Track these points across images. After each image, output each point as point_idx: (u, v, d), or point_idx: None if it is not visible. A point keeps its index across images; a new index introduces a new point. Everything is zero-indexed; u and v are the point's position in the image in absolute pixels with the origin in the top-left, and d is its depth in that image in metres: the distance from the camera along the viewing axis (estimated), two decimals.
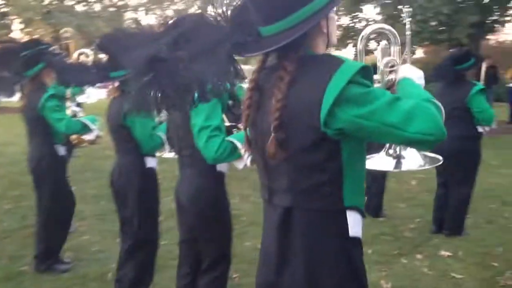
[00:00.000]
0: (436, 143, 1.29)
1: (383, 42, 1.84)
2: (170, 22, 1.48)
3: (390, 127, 1.28)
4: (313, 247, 1.44)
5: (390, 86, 1.75)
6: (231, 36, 1.41)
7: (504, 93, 14.28)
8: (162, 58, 1.36)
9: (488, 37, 17.40)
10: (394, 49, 1.82)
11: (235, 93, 2.66)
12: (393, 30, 1.79)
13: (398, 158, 1.81)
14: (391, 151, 1.84)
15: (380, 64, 1.79)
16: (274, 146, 1.41)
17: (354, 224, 1.45)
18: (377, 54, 1.83)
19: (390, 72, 1.76)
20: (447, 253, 4.40)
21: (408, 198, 6.25)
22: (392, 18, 13.17)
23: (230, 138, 2.43)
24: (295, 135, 1.40)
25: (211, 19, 1.45)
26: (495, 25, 15.29)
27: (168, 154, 3.39)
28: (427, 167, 1.79)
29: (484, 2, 12.87)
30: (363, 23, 17.06)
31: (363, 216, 1.50)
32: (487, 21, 14.29)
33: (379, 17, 13.46)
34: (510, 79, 13.83)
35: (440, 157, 1.83)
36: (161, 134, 3.30)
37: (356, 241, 1.47)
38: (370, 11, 27.50)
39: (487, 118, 4.60)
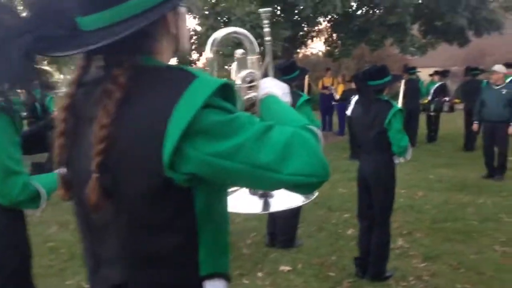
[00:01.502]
0: (319, 186, 0.99)
1: (239, 51, 1.48)
2: None
3: (260, 168, 0.95)
4: None
5: (249, 107, 1.40)
6: (34, 27, 0.95)
7: (315, 102, 15.46)
8: None
9: (298, 50, 18.75)
10: (252, 59, 1.46)
11: (46, 108, 2.05)
12: (249, 35, 1.43)
13: (265, 197, 1.47)
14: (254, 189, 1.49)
15: (237, 79, 1.43)
16: (96, 194, 0.97)
17: None
18: (232, 67, 1.47)
19: (249, 88, 1.40)
20: (287, 268, 4.32)
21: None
22: (213, 29, 13.24)
23: (34, 182, 1.85)
24: (127, 179, 0.98)
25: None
26: (304, 39, 16.55)
27: None
28: (302, 203, 1.48)
29: (294, 18, 13.74)
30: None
31: (228, 280, 1.14)
32: (297, 36, 15.34)
33: (199, 28, 13.42)
34: (320, 89, 15.00)
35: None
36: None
37: None
38: (189, 22, 27.62)
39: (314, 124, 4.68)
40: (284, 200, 1.43)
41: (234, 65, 1.46)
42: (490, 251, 4.67)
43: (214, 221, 1.08)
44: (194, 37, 13.71)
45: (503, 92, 7.62)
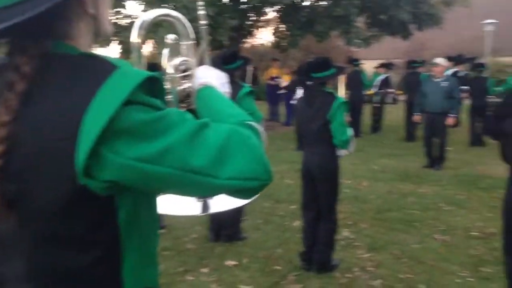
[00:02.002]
0: (261, 189, 0.90)
1: (171, 36, 1.33)
2: None
3: (193, 173, 0.83)
4: None
5: (184, 98, 1.26)
6: None
7: (262, 92, 15.42)
8: None
9: (245, 40, 18.63)
10: (187, 45, 1.30)
11: None
12: (183, 18, 1.27)
13: (204, 197, 1.34)
14: None
15: (169, 68, 1.28)
16: None
17: None
18: (163, 53, 1.32)
19: (183, 78, 1.26)
20: (233, 262, 4.23)
21: None
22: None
23: None
24: (33, 187, 0.84)
25: None
26: (251, 29, 16.44)
27: None
28: (244, 202, 1.36)
29: (241, 7, 13.60)
30: (128, 20, 16.37)
31: None
32: (244, 25, 15.22)
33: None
34: (267, 79, 14.98)
35: None
36: None
37: None
38: (134, 8, 26.85)
39: (256, 119, 4.61)
40: (225, 200, 1.31)
41: (165, 52, 1.31)
42: (431, 240, 4.79)
43: (141, 230, 0.96)
44: None
45: (443, 85, 7.84)
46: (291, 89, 10.75)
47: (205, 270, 4.09)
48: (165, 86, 0.96)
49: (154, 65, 3.41)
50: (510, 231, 3.20)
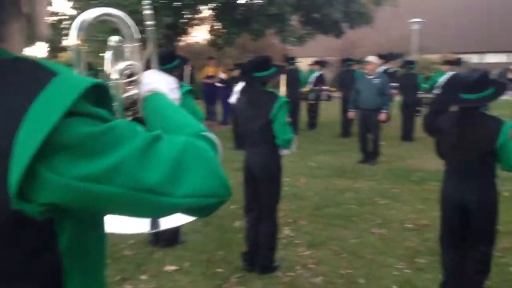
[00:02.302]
0: (219, 206, 0.84)
1: (114, 38, 1.21)
2: None
3: (146, 192, 0.75)
4: None
5: (130, 106, 1.15)
6: None
7: (199, 91, 15.25)
8: None
9: (180, 38, 18.36)
10: (131, 47, 1.19)
11: None
12: (126, 17, 1.15)
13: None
14: None
15: (113, 73, 1.16)
16: None
17: None
18: (106, 57, 1.21)
19: (129, 84, 1.15)
20: (172, 267, 4.12)
21: None
22: None
23: None
24: None
25: None
26: (186, 27, 16.22)
27: None
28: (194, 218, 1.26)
29: (175, 5, 13.36)
30: (55, 17, 15.67)
31: None
32: (179, 23, 14.99)
33: (75, 12, 12.48)
34: (203, 78, 14.83)
35: None
36: None
37: None
38: (61, 4, 25.72)
39: (197, 118, 4.53)
40: (176, 216, 1.22)
41: (108, 55, 1.19)
42: (368, 234, 4.90)
43: (86, 255, 0.87)
44: (66, 22, 12.74)
45: (375, 82, 8.08)
46: (227, 84, 10.70)
47: (144, 277, 3.96)
48: (111, 94, 0.87)
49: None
50: (445, 223, 3.31)
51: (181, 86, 4.44)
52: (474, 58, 24.97)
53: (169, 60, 4.50)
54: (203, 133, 0.91)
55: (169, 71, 4.41)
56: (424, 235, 4.81)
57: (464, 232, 3.21)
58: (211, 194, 0.80)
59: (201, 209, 0.82)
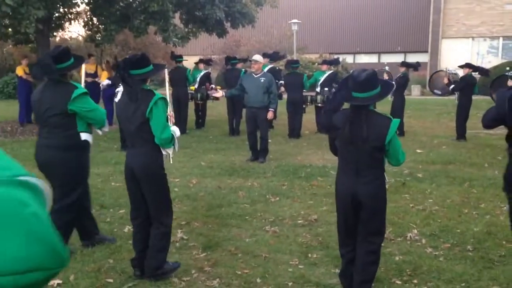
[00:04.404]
0: (51, 279, 0.67)
1: None
2: None
3: None
4: None
5: None
6: None
7: None
8: None
9: (54, 33, 17.14)
10: None
11: None
12: None
13: None
14: None
15: None
16: None
17: None
18: None
19: None
20: (57, 281, 3.76)
21: None
22: None
23: None
24: None
25: None
26: (61, 22, 15.19)
27: None
28: None
29: None
30: None
31: None
32: (53, 17, 13.98)
33: None
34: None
35: None
36: None
37: None
38: None
39: (99, 118, 4.23)
40: None
41: None
42: (262, 232, 4.92)
43: None
44: None
45: (262, 80, 8.19)
46: (110, 86, 10.16)
47: None
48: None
49: None
50: (340, 217, 3.42)
51: (76, 87, 4.15)
52: (348, 59, 26.65)
53: (66, 58, 4.14)
54: (23, 178, 0.66)
55: (65, 70, 4.10)
56: (315, 230, 4.95)
57: (357, 224, 3.33)
58: (35, 267, 0.61)
59: (25, 287, 0.61)
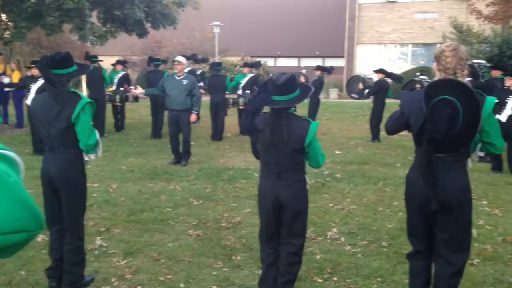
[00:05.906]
0: (30, 240, 0.74)
1: None
2: None
3: None
4: None
5: None
6: None
7: None
8: None
9: None
10: None
11: None
12: None
13: None
14: None
15: None
16: None
17: None
18: None
19: None
20: None
21: None
22: None
23: None
24: None
25: None
26: None
27: None
28: None
29: None
30: None
31: None
32: None
33: None
34: None
35: None
36: None
37: None
38: None
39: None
40: None
41: None
42: (186, 236, 4.86)
43: None
44: None
45: (184, 83, 8.09)
46: (23, 86, 9.56)
47: None
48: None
49: None
50: (263, 219, 3.43)
51: None
52: (269, 62, 27.06)
53: None
54: (1, 152, 0.74)
55: None
56: (239, 232, 4.96)
57: (279, 227, 3.37)
58: (18, 228, 0.66)
59: (9, 248, 0.67)
